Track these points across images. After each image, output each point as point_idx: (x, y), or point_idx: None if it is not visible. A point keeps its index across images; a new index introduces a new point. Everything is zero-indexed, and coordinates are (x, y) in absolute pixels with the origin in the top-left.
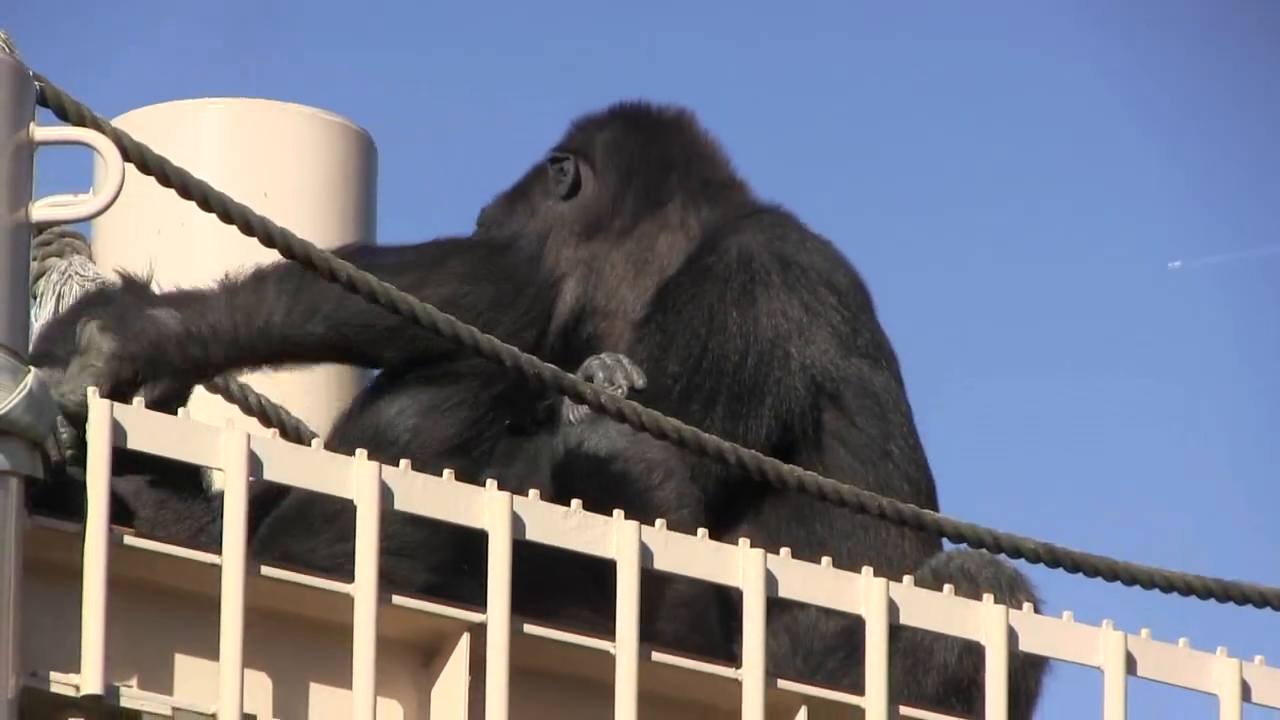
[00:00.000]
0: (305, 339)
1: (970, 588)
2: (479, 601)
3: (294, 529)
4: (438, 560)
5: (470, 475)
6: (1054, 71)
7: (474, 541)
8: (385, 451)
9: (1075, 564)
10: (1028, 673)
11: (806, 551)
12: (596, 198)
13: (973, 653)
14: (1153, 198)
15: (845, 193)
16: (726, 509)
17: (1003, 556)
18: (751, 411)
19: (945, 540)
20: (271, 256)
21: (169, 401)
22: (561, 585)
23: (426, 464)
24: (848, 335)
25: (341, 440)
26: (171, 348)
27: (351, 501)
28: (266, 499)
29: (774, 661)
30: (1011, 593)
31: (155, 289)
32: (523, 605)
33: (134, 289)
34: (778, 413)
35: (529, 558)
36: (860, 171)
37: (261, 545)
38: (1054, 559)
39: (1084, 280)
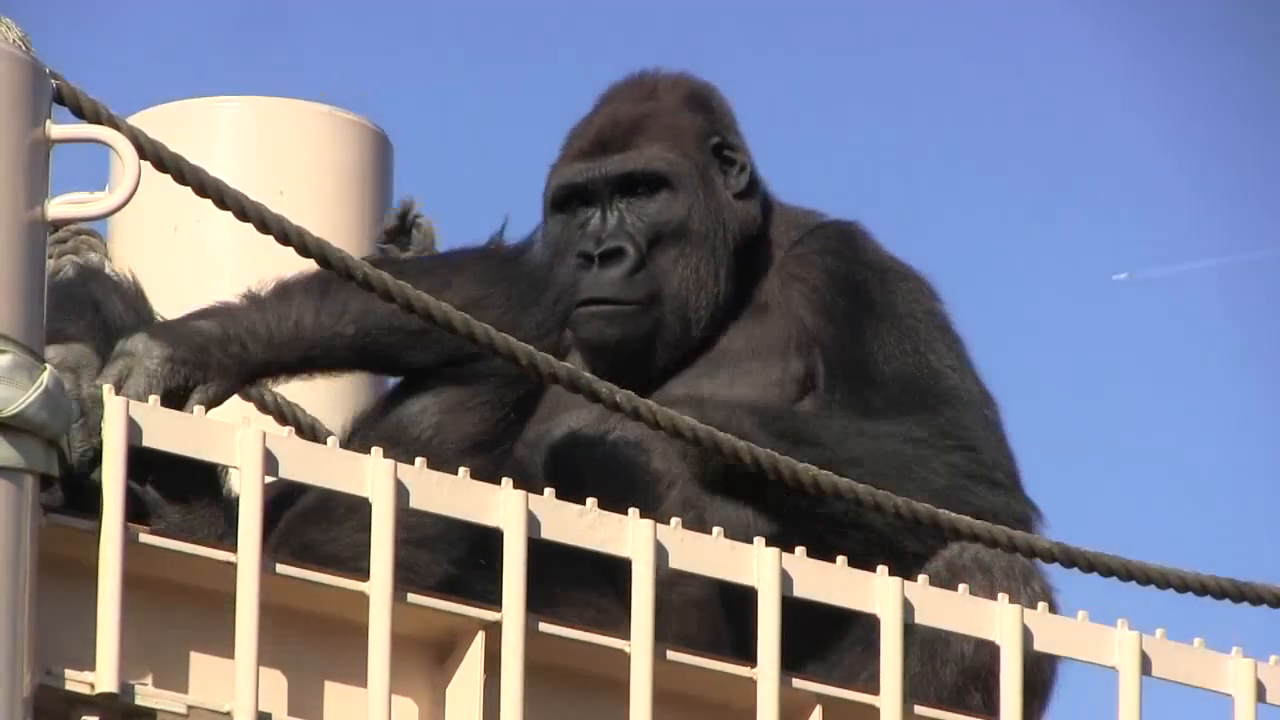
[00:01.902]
0: (334, 341)
1: (985, 579)
2: (496, 591)
3: (316, 518)
4: (456, 551)
5: (490, 473)
6: (1055, 73)
7: (491, 533)
8: (407, 448)
9: (1090, 564)
10: (1042, 663)
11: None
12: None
13: (990, 643)
14: (1156, 200)
15: (846, 193)
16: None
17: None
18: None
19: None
20: (287, 255)
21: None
22: (570, 578)
23: (448, 461)
24: None
25: (363, 436)
26: (215, 349)
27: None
28: (286, 491)
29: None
30: (1026, 582)
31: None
32: (534, 598)
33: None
34: None
35: (542, 553)
36: (862, 172)
37: (283, 536)
38: (1069, 558)
39: (1086, 280)
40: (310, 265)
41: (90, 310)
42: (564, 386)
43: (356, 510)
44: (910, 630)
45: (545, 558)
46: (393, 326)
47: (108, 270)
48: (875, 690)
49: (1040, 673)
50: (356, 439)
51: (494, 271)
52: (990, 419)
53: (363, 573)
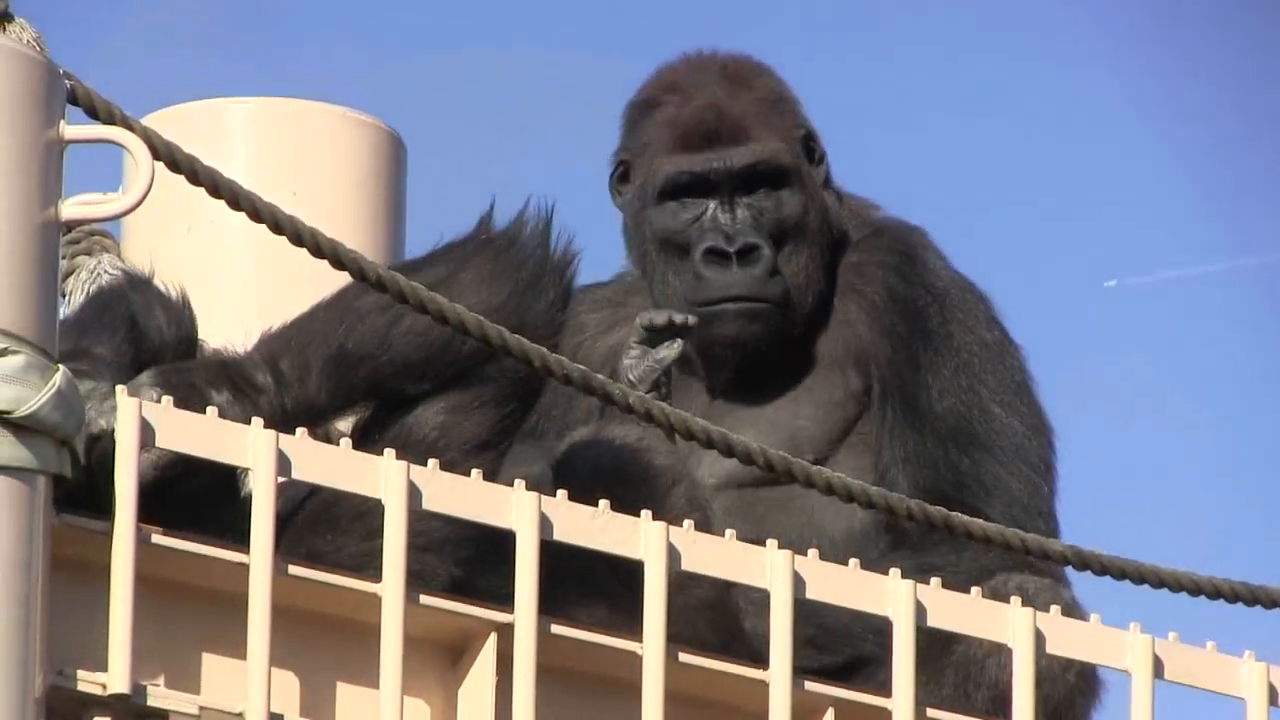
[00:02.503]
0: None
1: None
2: (506, 592)
3: (320, 527)
4: (464, 554)
5: (493, 474)
6: (1058, 74)
7: (500, 534)
8: (412, 449)
9: (1103, 567)
10: (1075, 699)
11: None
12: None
13: None
14: (1160, 202)
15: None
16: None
17: (1061, 584)
18: None
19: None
20: (300, 256)
21: None
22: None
23: (454, 462)
24: None
25: (368, 437)
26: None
27: (379, 500)
28: (292, 498)
29: None
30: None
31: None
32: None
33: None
34: None
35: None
36: (863, 172)
37: (288, 546)
38: (1082, 561)
39: (1087, 282)
40: (323, 266)
41: (125, 326)
42: (577, 388)
43: (362, 517)
44: (947, 649)
45: (554, 554)
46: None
47: (155, 282)
48: (887, 693)
49: (1074, 708)
50: (362, 439)
51: (495, 265)
52: (1032, 465)
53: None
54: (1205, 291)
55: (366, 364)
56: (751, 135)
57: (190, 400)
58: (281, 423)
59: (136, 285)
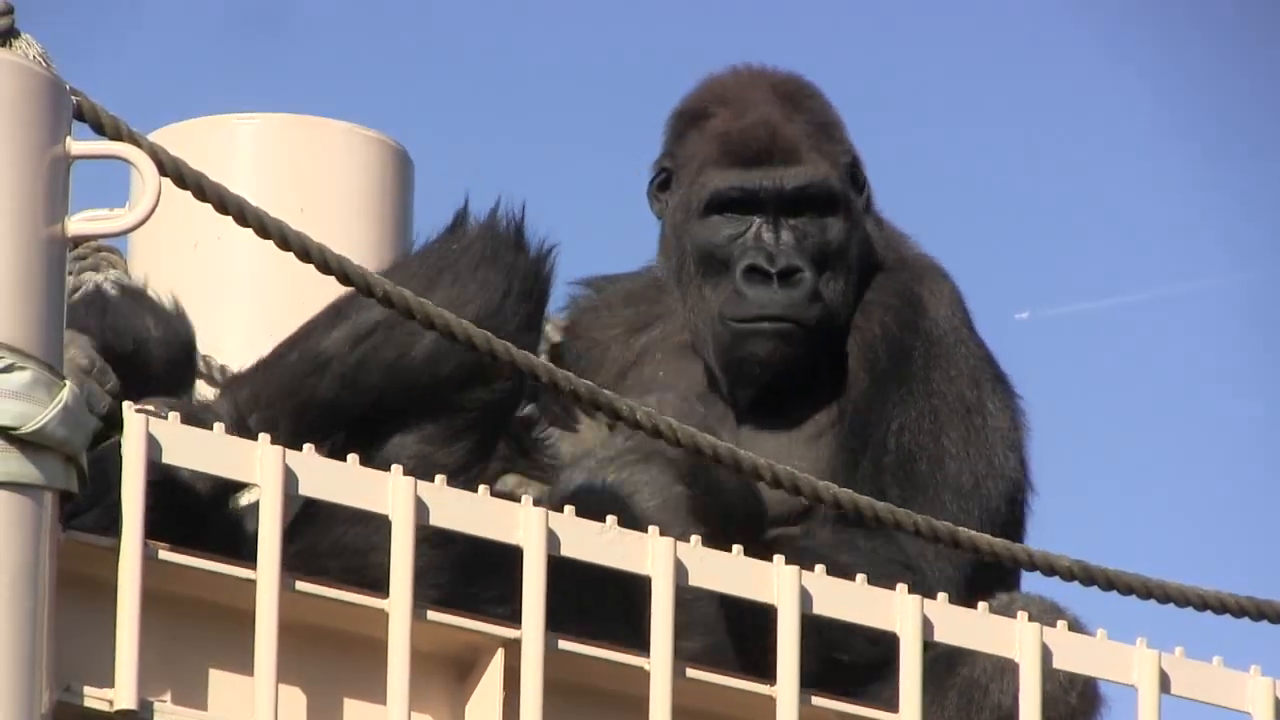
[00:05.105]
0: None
1: None
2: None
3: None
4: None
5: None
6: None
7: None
8: None
9: (1109, 581)
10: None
11: None
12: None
13: None
14: (1163, 204)
15: None
16: None
17: (1064, 603)
18: None
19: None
20: (307, 272)
21: None
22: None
23: None
24: None
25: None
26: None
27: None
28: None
29: None
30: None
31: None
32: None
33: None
34: None
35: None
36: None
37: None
38: (1088, 576)
39: (1093, 282)
40: (330, 281)
41: (99, 316)
42: (584, 403)
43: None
44: (953, 670)
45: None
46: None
47: (151, 293)
48: (895, 709)
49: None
50: None
51: (465, 278)
52: (973, 517)
53: (343, 573)
54: (1227, 301)
55: (337, 410)
56: (804, 158)
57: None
58: None
59: (124, 289)
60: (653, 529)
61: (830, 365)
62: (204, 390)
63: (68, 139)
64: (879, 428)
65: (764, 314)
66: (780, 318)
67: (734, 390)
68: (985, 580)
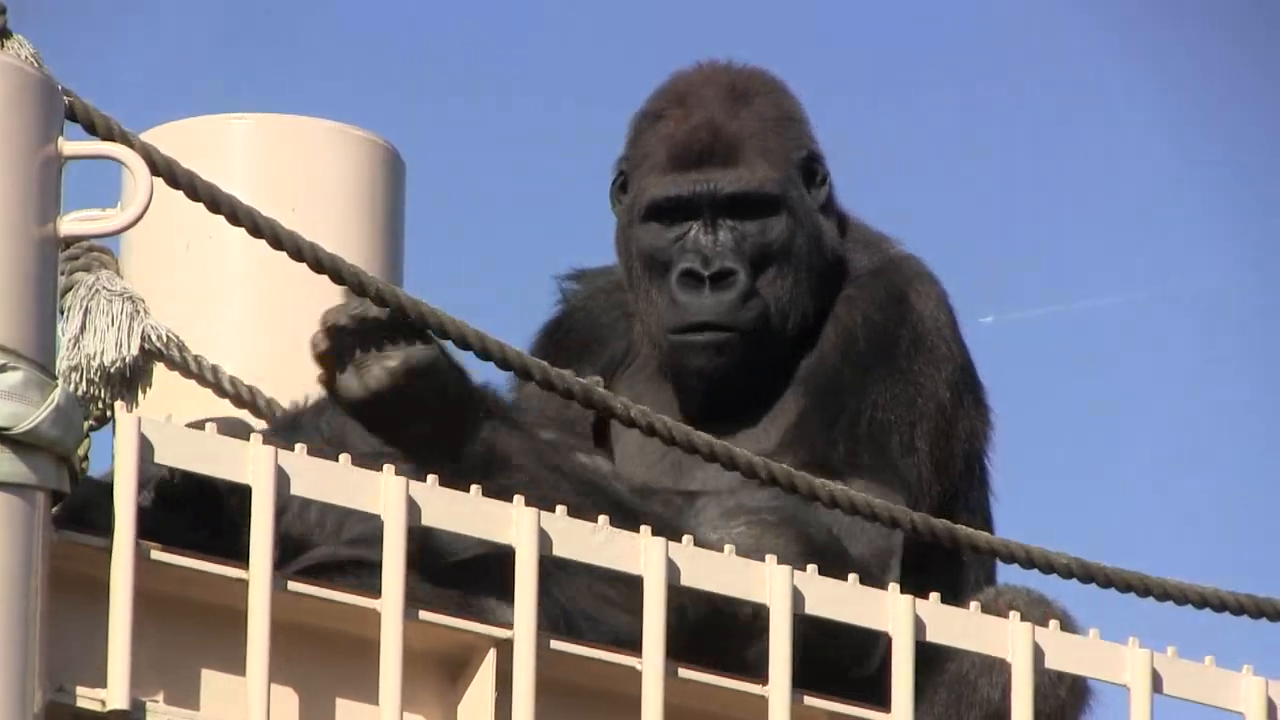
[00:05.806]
0: None
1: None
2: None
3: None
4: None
5: None
6: (1065, 78)
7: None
8: None
9: (1107, 579)
10: (1066, 712)
11: None
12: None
13: None
14: (1174, 212)
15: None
16: None
17: (1050, 594)
18: None
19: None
20: (300, 271)
21: None
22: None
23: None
24: None
25: None
26: None
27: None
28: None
29: None
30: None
31: None
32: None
33: None
34: None
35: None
36: (863, 179)
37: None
38: (1086, 574)
39: (1094, 282)
40: (322, 281)
41: None
42: (579, 402)
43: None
44: (940, 667)
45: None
46: None
47: None
48: (886, 708)
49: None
50: None
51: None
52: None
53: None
54: (1230, 301)
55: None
56: (741, 159)
57: None
58: None
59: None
60: (645, 529)
61: (799, 358)
62: (202, 390)
63: (59, 139)
64: (855, 400)
65: (695, 322)
66: (710, 325)
67: (681, 398)
68: (933, 560)
